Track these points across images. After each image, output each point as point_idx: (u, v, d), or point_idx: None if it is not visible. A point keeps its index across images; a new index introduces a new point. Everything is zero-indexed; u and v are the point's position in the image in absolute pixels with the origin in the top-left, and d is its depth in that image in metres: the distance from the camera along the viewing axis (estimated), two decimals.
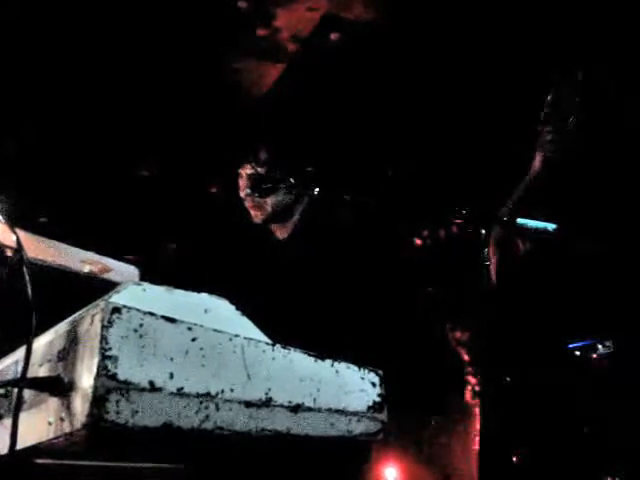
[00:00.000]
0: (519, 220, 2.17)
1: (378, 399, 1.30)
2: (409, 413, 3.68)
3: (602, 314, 2.27)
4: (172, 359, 1.08)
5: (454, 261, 4.16)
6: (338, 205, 2.34)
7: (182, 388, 1.08)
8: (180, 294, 1.20)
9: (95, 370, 1.01)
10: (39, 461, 1.32)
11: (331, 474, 1.46)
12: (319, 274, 2.24)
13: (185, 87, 4.17)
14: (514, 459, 2.21)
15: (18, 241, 1.27)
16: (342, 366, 1.28)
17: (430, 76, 4.02)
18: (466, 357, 4.32)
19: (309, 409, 1.21)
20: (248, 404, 1.14)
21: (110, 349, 1.02)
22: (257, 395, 1.16)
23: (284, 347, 1.22)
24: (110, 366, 1.02)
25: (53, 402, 1.11)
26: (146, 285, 1.17)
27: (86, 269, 1.82)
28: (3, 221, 1.36)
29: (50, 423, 1.10)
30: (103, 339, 1.02)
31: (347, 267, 2.27)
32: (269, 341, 1.22)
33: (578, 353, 2.26)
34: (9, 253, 1.55)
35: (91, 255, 1.86)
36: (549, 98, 2.15)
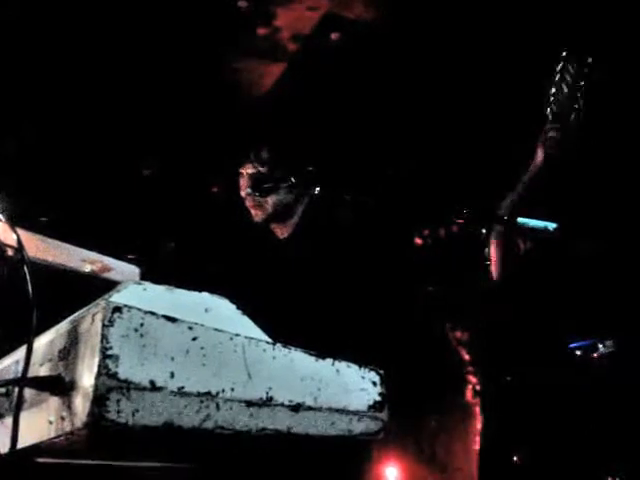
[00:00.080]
0: (519, 219, 2.17)
1: (379, 398, 1.30)
2: (409, 412, 3.68)
3: (602, 314, 2.27)
4: (173, 358, 1.08)
5: (454, 261, 4.16)
6: (338, 205, 2.34)
7: (183, 387, 1.08)
8: (181, 293, 1.20)
9: (96, 369, 1.01)
10: (40, 460, 1.32)
11: (332, 473, 1.46)
12: (319, 273, 2.24)
13: (185, 87, 4.17)
14: (514, 458, 2.22)
15: (19, 240, 1.27)
16: (343, 365, 1.28)
17: (430, 75, 4.02)
18: (466, 356, 4.32)
19: (310, 408, 1.21)
20: (249, 403, 1.14)
21: (111, 348, 1.02)
22: (258, 394, 1.16)
23: (285, 346, 1.22)
24: (111, 365, 1.02)
25: (54, 401, 1.11)
26: (147, 284, 1.17)
27: (87, 268, 1.82)
28: (4, 220, 1.36)
29: (51, 422, 1.10)
30: (104, 338, 1.02)
31: (347, 266, 2.27)
32: (270, 340, 1.22)
33: (578, 353, 2.26)
34: (10, 252, 1.55)
35: (92, 254, 1.86)
36: (552, 93, 2.14)
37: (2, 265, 1.55)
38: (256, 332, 1.23)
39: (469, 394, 4.28)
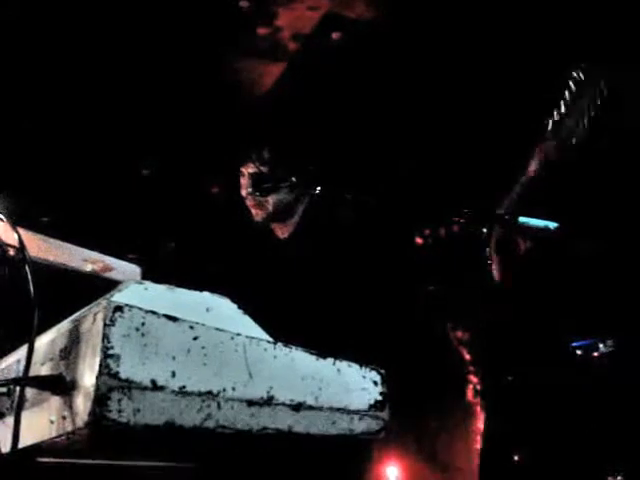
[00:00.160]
0: (520, 219, 2.17)
1: (380, 398, 1.30)
2: (410, 412, 3.68)
3: (603, 313, 2.27)
4: (174, 358, 1.08)
5: (455, 260, 4.16)
6: (339, 204, 2.34)
7: (184, 387, 1.08)
8: (182, 293, 1.20)
9: (97, 369, 1.01)
10: (41, 460, 1.32)
11: (332, 472, 1.46)
12: (320, 273, 2.24)
13: (186, 86, 4.17)
14: (515, 458, 2.22)
15: (20, 240, 1.27)
16: (344, 365, 1.28)
17: (431, 75, 4.02)
18: (467, 356, 4.32)
19: (311, 407, 1.21)
20: (250, 403, 1.15)
21: (112, 348, 1.03)
22: (259, 394, 1.16)
23: (286, 345, 1.22)
24: (112, 365, 1.02)
25: (55, 401, 1.11)
26: (148, 284, 1.17)
27: (88, 268, 1.83)
28: (5, 220, 1.36)
29: (52, 422, 1.11)
30: (105, 338, 1.02)
31: (348, 266, 2.27)
32: (271, 340, 1.22)
33: (579, 352, 2.26)
34: (11, 252, 1.56)
35: (93, 254, 1.86)
36: (571, 84, 2.12)
37: (4, 265, 1.56)
38: (257, 331, 1.23)
39: (470, 394, 4.28)
